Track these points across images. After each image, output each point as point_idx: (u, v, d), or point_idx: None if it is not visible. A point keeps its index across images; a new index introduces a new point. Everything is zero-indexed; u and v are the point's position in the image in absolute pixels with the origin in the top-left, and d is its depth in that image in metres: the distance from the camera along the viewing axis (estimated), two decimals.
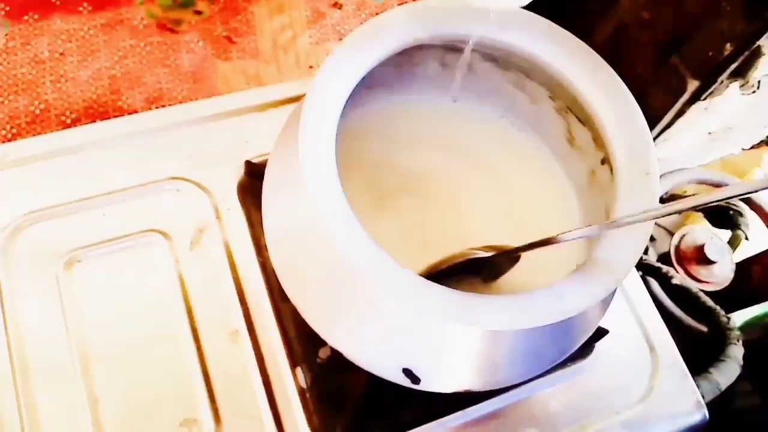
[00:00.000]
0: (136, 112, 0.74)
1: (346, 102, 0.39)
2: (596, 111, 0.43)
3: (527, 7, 0.44)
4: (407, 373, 0.41)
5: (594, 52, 0.44)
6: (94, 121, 0.73)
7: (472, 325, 0.36)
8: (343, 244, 0.36)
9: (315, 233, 0.40)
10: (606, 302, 0.45)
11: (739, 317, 0.74)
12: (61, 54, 0.76)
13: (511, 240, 0.45)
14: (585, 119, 0.45)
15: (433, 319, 0.37)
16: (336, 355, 0.43)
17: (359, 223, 0.36)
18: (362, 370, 0.43)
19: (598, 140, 0.44)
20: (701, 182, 0.88)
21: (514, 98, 0.50)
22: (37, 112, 0.73)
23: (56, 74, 0.75)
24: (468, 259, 0.44)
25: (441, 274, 0.44)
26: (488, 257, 0.44)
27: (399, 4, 0.41)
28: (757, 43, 0.72)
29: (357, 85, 0.40)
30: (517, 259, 0.43)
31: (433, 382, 0.42)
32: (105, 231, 0.55)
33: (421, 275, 0.37)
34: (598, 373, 0.57)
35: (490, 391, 0.45)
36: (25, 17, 0.76)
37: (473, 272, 0.45)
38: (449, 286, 0.36)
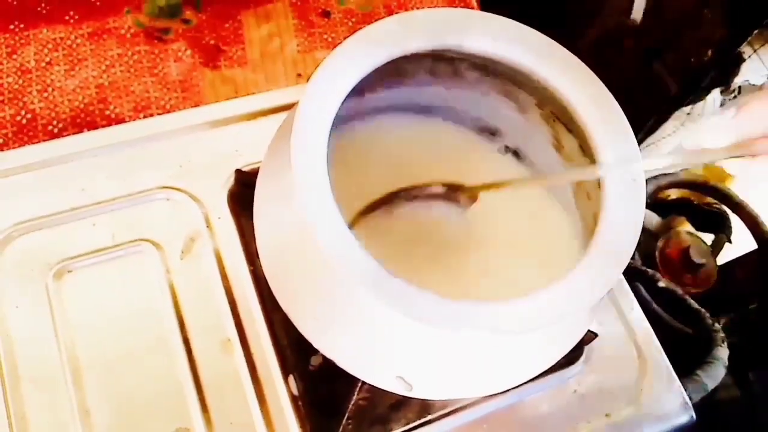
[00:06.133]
0: (124, 121, 0.74)
1: (337, 113, 0.39)
2: (582, 118, 0.44)
3: (515, 16, 0.45)
4: (399, 380, 0.41)
5: (579, 60, 0.45)
6: (82, 131, 0.72)
7: (463, 331, 0.37)
8: (333, 253, 0.36)
9: (306, 242, 0.40)
10: (595, 307, 0.45)
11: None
12: (48, 63, 0.75)
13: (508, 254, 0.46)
14: (572, 126, 0.46)
15: (424, 326, 0.37)
16: (328, 362, 0.43)
17: (350, 233, 0.37)
18: (354, 377, 0.44)
19: (585, 147, 0.45)
20: (685, 186, 0.90)
21: (501, 107, 0.51)
22: (24, 121, 0.73)
23: (43, 84, 0.75)
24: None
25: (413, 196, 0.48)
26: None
27: (387, 14, 0.42)
28: (738, 49, 0.74)
29: (348, 95, 0.40)
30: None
31: (425, 389, 0.42)
32: (95, 241, 0.55)
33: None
34: (587, 376, 0.57)
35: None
36: (11, 26, 0.75)
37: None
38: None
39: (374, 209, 0.48)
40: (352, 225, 0.47)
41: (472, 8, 0.44)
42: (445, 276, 0.47)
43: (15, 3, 0.76)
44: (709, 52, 0.75)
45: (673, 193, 0.94)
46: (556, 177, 0.46)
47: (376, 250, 0.37)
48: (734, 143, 0.34)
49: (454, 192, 0.48)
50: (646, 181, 0.40)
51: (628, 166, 0.39)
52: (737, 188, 0.83)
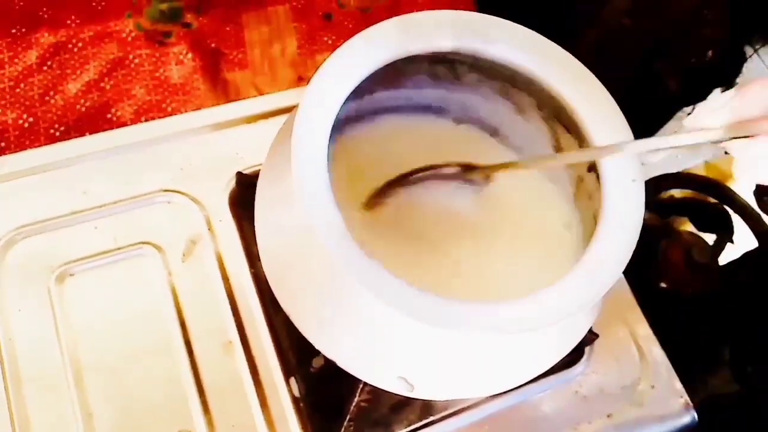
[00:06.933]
0: (125, 124, 0.74)
1: (337, 115, 0.40)
2: (582, 119, 0.44)
3: (514, 18, 0.45)
4: (401, 380, 0.41)
5: (579, 61, 0.45)
6: (84, 134, 0.73)
7: (464, 331, 0.37)
8: (334, 254, 0.36)
9: (307, 244, 0.40)
10: (595, 307, 0.45)
11: None
12: (50, 67, 0.76)
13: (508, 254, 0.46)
14: (571, 127, 0.46)
15: (425, 327, 0.37)
16: (329, 364, 0.43)
17: (351, 234, 0.37)
18: (355, 379, 0.44)
19: (585, 148, 0.45)
20: (687, 186, 0.89)
21: (500, 108, 0.51)
22: (26, 125, 0.73)
23: (45, 87, 0.75)
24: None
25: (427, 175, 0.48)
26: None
27: (387, 16, 0.42)
28: (743, 48, 0.74)
29: (347, 98, 0.40)
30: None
31: (427, 390, 0.42)
32: (97, 244, 0.55)
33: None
34: (588, 377, 0.57)
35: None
36: (13, 30, 0.76)
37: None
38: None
39: (387, 190, 0.48)
40: (365, 206, 0.48)
41: (471, 10, 0.44)
42: (445, 273, 0.47)
43: (17, 7, 0.77)
44: (709, 52, 0.75)
45: (675, 193, 0.94)
46: (575, 155, 0.45)
47: (377, 241, 0.37)
48: (733, 123, 0.34)
49: (468, 171, 0.48)
50: (647, 181, 0.40)
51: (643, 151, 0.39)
52: (738, 171, 0.82)
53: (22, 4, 0.76)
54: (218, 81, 0.78)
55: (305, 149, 0.38)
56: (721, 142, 0.35)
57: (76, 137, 0.70)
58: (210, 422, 0.51)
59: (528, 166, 0.51)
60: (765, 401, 0.68)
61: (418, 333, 0.39)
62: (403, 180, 0.48)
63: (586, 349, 0.57)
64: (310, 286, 0.41)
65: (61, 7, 0.77)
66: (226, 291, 0.55)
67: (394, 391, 0.42)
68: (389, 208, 0.49)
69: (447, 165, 0.49)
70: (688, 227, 0.89)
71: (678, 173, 0.88)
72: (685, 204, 0.90)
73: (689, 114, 0.89)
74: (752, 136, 0.33)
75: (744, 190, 0.85)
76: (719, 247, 0.85)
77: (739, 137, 0.34)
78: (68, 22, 0.77)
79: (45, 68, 0.75)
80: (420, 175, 0.49)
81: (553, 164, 0.50)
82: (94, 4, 0.78)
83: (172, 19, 0.79)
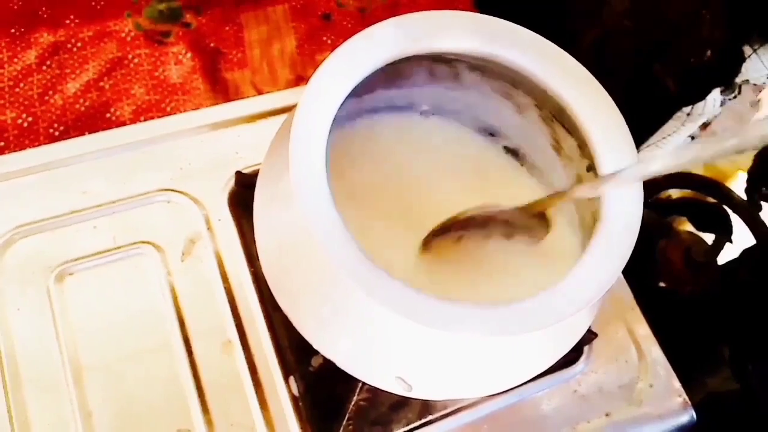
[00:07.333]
0: (125, 124, 0.74)
1: (336, 115, 0.40)
2: (581, 119, 0.44)
3: (513, 18, 0.45)
4: (399, 380, 0.41)
5: (578, 61, 0.45)
6: (83, 134, 0.73)
7: (462, 333, 0.37)
8: (332, 254, 0.36)
9: (305, 243, 0.40)
10: (594, 306, 0.45)
11: None
12: (49, 67, 0.76)
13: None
14: (571, 128, 0.46)
15: (423, 328, 0.37)
16: (328, 363, 0.43)
17: (350, 234, 0.37)
18: (354, 378, 0.44)
19: (584, 148, 0.45)
20: (686, 186, 0.89)
21: (500, 108, 0.51)
22: (25, 125, 0.73)
23: (44, 87, 0.75)
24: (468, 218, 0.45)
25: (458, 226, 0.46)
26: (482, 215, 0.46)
27: (386, 16, 0.42)
28: (741, 49, 0.74)
29: (347, 97, 0.40)
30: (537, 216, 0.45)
31: (425, 390, 0.42)
32: (96, 243, 0.55)
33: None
34: (587, 376, 0.57)
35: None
36: (12, 30, 0.76)
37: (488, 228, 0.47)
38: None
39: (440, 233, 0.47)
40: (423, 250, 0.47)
41: (470, 11, 0.44)
42: (445, 270, 0.47)
43: (16, 7, 0.77)
44: (709, 53, 0.76)
45: (674, 193, 0.94)
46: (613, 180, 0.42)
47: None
48: None
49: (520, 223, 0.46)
50: (646, 180, 0.40)
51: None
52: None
53: (21, 3, 0.76)
54: (217, 81, 0.78)
55: (304, 149, 0.38)
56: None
57: (75, 137, 0.70)
58: (209, 421, 0.51)
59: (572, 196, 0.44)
60: (764, 400, 0.68)
61: (415, 334, 0.39)
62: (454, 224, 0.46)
63: (585, 348, 0.58)
64: (309, 286, 0.41)
65: (60, 6, 0.77)
66: (225, 290, 0.55)
67: (392, 391, 0.42)
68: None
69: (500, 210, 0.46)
70: (687, 227, 0.89)
71: (677, 173, 0.88)
72: (684, 203, 0.90)
73: (688, 114, 0.89)
74: None
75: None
76: (718, 246, 0.85)
77: None
78: (67, 21, 0.77)
79: (44, 68, 0.75)
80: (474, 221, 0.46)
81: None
82: (93, 3, 0.78)
83: (172, 19, 0.79)
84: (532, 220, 0.46)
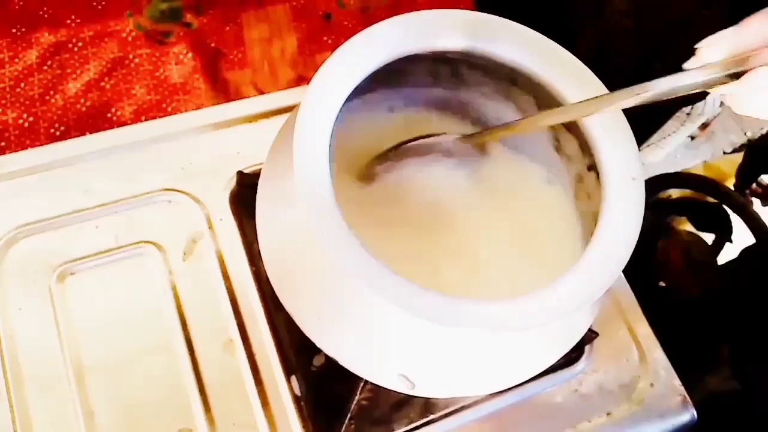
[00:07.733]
0: (126, 124, 0.74)
1: (338, 113, 0.40)
2: (582, 119, 0.44)
3: (514, 17, 0.45)
4: (402, 378, 0.41)
5: (579, 61, 0.45)
6: (84, 134, 0.73)
7: (465, 329, 0.37)
8: (335, 252, 0.36)
9: (308, 242, 0.40)
10: (595, 305, 0.46)
11: None
12: (50, 67, 0.76)
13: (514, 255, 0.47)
14: (571, 127, 0.46)
15: (426, 324, 0.37)
16: (330, 362, 0.43)
17: (352, 233, 0.37)
18: (356, 377, 0.44)
19: (585, 147, 0.45)
20: (686, 185, 0.90)
21: (500, 107, 0.51)
22: (27, 125, 0.73)
23: (45, 87, 0.75)
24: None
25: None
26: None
27: (387, 15, 0.42)
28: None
29: (349, 97, 0.40)
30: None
31: (428, 387, 0.42)
32: (98, 243, 0.55)
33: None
34: (588, 375, 0.57)
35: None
36: (13, 30, 0.76)
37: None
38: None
39: (382, 160, 0.49)
40: (360, 177, 0.49)
41: (471, 10, 0.44)
42: (444, 268, 0.47)
43: (17, 7, 0.77)
44: None
45: (674, 193, 0.95)
46: (563, 112, 0.43)
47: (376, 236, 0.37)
48: (734, 56, 0.33)
49: (465, 138, 0.49)
50: (646, 180, 0.40)
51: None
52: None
53: (22, 3, 0.77)
54: (218, 80, 0.78)
55: (307, 148, 0.38)
56: (719, 84, 0.33)
57: (76, 137, 0.70)
58: (211, 421, 0.51)
59: (523, 128, 0.46)
60: (764, 400, 0.68)
61: (418, 331, 0.39)
62: (399, 148, 0.49)
63: (586, 347, 0.58)
64: (312, 285, 0.41)
65: (61, 6, 0.77)
66: (226, 289, 0.55)
67: (395, 389, 0.42)
68: (387, 194, 0.49)
69: (443, 134, 0.49)
70: (687, 226, 0.89)
71: (677, 173, 0.88)
72: (684, 203, 0.91)
73: (688, 114, 0.89)
74: (751, 69, 0.31)
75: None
76: (718, 246, 0.85)
77: (738, 72, 0.32)
78: (68, 21, 0.77)
79: (45, 68, 0.75)
80: (417, 143, 0.49)
81: (544, 123, 0.46)
82: (94, 3, 0.78)
83: (172, 19, 0.79)
84: (473, 150, 0.49)
